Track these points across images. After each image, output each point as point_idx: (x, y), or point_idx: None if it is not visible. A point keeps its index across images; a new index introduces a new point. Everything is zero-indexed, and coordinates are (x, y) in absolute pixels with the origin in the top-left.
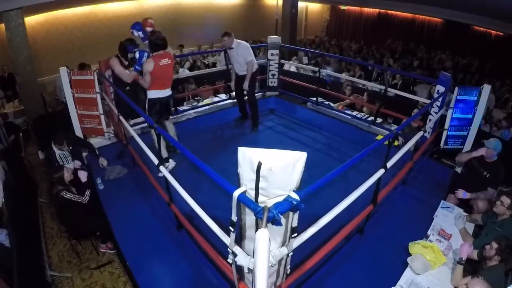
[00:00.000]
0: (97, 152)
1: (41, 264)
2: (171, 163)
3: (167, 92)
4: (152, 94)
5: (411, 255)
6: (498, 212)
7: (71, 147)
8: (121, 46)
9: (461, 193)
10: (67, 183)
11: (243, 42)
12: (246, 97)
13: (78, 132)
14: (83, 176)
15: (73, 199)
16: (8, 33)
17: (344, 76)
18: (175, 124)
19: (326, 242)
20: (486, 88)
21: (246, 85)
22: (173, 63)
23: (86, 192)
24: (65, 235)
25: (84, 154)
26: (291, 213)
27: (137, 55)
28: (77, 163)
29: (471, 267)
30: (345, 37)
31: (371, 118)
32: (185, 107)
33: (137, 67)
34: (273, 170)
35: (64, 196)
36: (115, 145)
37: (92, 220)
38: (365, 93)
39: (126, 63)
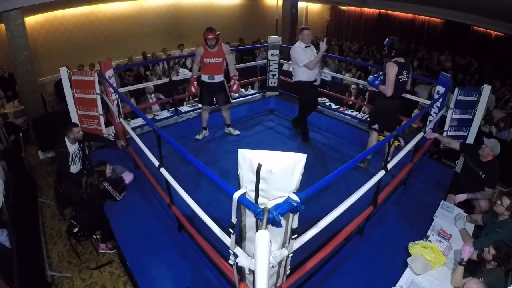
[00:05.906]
0: (111, 138)
1: (41, 264)
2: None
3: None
4: None
5: (411, 256)
6: (497, 212)
7: (81, 145)
8: (391, 46)
9: (459, 198)
10: (107, 178)
11: None
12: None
13: None
14: (128, 177)
15: (111, 192)
16: (8, 33)
17: (342, 76)
18: (175, 124)
19: (327, 243)
20: (486, 89)
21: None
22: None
23: (124, 193)
24: (65, 235)
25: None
26: (291, 215)
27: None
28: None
29: (471, 268)
30: (345, 37)
31: None
32: (185, 108)
33: (376, 82)
34: (273, 172)
35: (106, 187)
36: (115, 146)
37: (101, 218)
38: (367, 93)
39: (403, 60)
